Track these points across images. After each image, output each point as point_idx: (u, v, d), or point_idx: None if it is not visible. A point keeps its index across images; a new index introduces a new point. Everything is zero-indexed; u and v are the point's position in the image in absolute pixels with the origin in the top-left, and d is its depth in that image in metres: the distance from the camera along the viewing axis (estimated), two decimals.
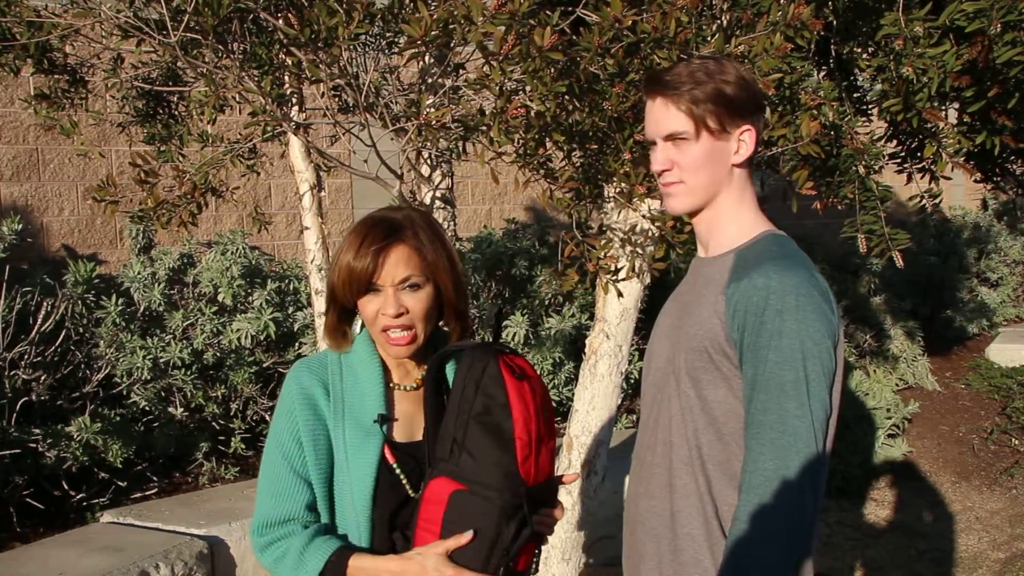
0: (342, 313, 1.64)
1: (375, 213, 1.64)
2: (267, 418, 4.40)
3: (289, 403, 1.60)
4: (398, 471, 1.58)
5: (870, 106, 3.23)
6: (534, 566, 1.61)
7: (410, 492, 1.58)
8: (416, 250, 1.58)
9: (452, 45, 2.26)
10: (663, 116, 1.62)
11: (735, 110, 1.59)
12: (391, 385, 1.66)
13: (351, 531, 1.58)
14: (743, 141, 1.62)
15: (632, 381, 5.28)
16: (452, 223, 3.14)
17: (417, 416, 1.66)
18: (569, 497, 3.22)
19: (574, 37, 2.10)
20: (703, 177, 1.62)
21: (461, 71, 2.98)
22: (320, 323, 3.18)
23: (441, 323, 1.69)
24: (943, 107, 2.80)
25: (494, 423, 1.51)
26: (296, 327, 4.55)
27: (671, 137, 1.61)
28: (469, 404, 1.52)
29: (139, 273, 4.34)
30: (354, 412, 1.60)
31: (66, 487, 3.74)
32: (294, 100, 3.25)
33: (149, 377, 4.08)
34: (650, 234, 2.85)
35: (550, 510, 1.61)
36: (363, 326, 1.66)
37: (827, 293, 1.58)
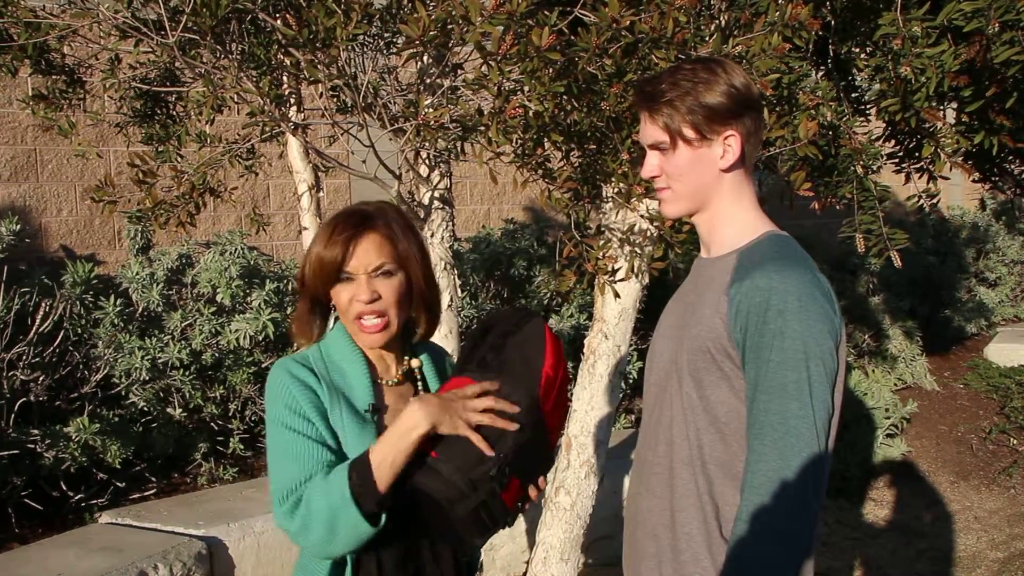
0: (313, 305, 1.65)
1: (347, 207, 1.66)
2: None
3: (284, 389, 1.57)
4: None
5: (868, 106, 3.24)
6: (516, 512, 1.59)
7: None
8: (388, 238, 1.60)
9: (450, 45, 2.26)
10: (644, 127, 1.67)
11: (716, 118, 1.59)
12: (376, 380, 1.67)
13: None
14: (729, 146, 1.62)
15: (631, 381, 5.28)
16: (450, 223, 3.13)
17: (401, 410, 1.65)
18: (568, 497, 3.22)
19: (572, 37, 2.10)
20: (688, 183, 1.64)
21: (459, 71, 2.98)
22: None
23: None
24: (941, 107, 2.80)
25: (525, 353, 1.55)
26: None
27: (654, 146, 1.66)
28: (507, 332, 1.57)
29: (137, 274, 4.34)
30: (347, 400, 1.60)
31: (64, 488, 3.74)
32: (292, 100, 3.25)
33: (147, 378, 4.07)
34: (648, 234, 2.85)
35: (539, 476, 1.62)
36: (336, 320, 1.66)
37: (829, 293, 1.59)
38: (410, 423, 1.50)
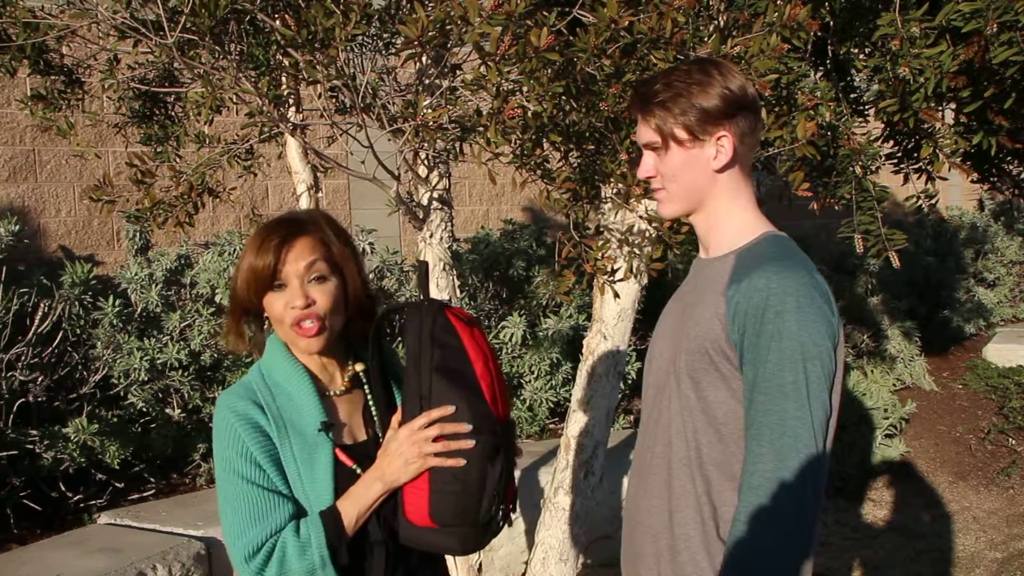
0: (243, 317, 1.62)
1: (278, 216, 1.63)
2: None
3: (230, 431, 1.53)
4: (359, 471, 1.56)
5: (867, 106, 3.24)
6: (513, 508, 1.62)
7: None
8: (321, 242, 1.58)
9: (449, 46, 2.26)
10: (639, 128, 1.68)
11: (708, 119, 1.60)
12: (323, 393, 1.63)
13: None
14: (721, 147, 1.62)
15: (629, 382, 5.28)
16: (449, 224, 3.13)
17: (354, 417, 1.64)
18: (567, 497, 3.22)
19: (571, 38, 2.11)
20: (682, 184, 1.65)
21: (458, 72, 2.98)
22: None
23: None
24: (940, 107, 2.81)
25: (455, 369, 1.52)
26: None
27: (649, 147, 1.67)
28: (428, 357, 1.52)
29: (136, 274, 4.34)
30: (296, 427, 1.56)
31: (63, 488, 3.74)
32: (291, 101, 3.25)
33: (146, 378, 4.07)
34: (647, 235, 2.85)
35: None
36: (271, 334, 1.63)
37: (827, 294, 1.59)
38: (367, 490, 1.52)
